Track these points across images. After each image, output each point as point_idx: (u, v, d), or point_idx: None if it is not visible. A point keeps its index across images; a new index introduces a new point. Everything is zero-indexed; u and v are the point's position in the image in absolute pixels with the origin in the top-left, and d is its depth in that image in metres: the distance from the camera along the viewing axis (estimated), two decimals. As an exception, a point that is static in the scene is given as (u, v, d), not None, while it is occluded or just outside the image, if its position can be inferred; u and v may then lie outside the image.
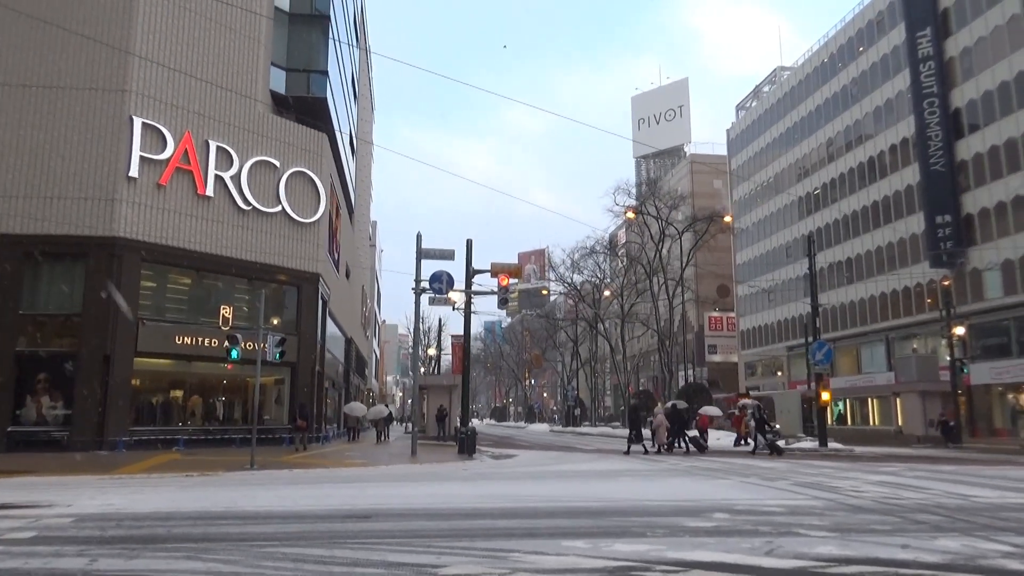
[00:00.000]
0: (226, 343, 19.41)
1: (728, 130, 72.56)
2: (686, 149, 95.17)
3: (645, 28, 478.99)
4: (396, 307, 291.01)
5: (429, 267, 24.67)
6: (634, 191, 63.70)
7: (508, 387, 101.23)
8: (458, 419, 37.06)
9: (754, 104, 69.26)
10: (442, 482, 14.53)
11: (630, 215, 42.96)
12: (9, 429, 21.43)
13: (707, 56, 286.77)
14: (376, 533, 8.26)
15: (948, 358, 36.49)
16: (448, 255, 25.09)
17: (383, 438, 35.86)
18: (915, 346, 46.93)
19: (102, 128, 23.03)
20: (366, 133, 57.12)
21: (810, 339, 50.80)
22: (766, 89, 67.93)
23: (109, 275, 22.55)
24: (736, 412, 29.49)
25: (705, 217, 45.47)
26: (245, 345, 21.13)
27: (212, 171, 25.37)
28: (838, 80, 54.06)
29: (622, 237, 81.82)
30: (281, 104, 29.77)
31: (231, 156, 26.01)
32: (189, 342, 24.61)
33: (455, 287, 25.30)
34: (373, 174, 69.42)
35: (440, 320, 52.78)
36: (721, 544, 7.53)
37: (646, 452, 25.49)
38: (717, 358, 73.94)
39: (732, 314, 72.18)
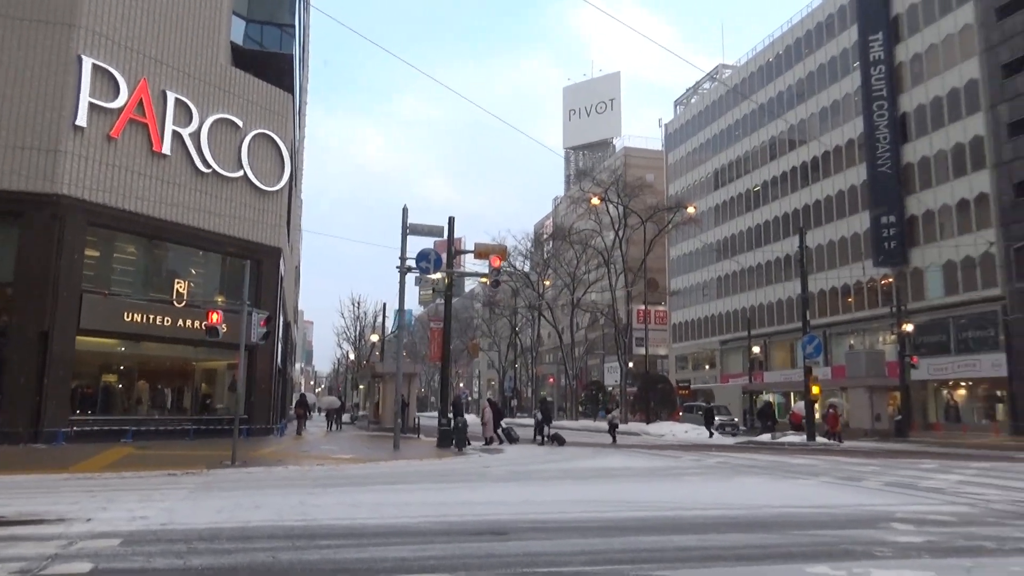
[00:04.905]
0: (206, 321, 16.81)
1: (666, 125, 72.93)
2: (615, 142, 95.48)
3: (532, 25, 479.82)
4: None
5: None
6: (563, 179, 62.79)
7: (430, 377, 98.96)
8: (416, 411, 35.18)
9: (694, 100, 69.80)
10: (495, 483, 12.82)
11: (595, 201, 42.00)
12: (-79, 416, 18.01)
13: (593, 55, 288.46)
14: (555, 559, 6.53)
15: (896, 354, 37.42)
16: (437, 231, 23.34)
17: (333, 428, 33.48)
18: (852, 342, 48.28)
19: (45, 67, 19.63)
20: (302, 103, 53.61)
21: (743, 331, 51.46)
22: (706, 86, 68.54)
23: (49, 238, 19.34)
24: (831, 411, 29.49)
25: (669, 207, 45.08)
26: (204, 323, 18.46)
27: (169, 126, 22.29)
28: (783, 80, 54.91)
29: (549, 227, 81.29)
30: (240, 58, 26.78)
31: (191, 111, 22.98)
32: (139, 319, 21.56)
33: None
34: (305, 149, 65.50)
35: (385, 305, 50.02)
36: (983, 568, 6.29)
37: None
38: (644, 351, 74.38)
39: (661, 307, 72.72)
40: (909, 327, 37.62)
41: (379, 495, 10.59)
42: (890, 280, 43.43)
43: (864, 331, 47.11)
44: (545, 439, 26.95)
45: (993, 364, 37.44)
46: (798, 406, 32.20)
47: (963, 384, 40.72)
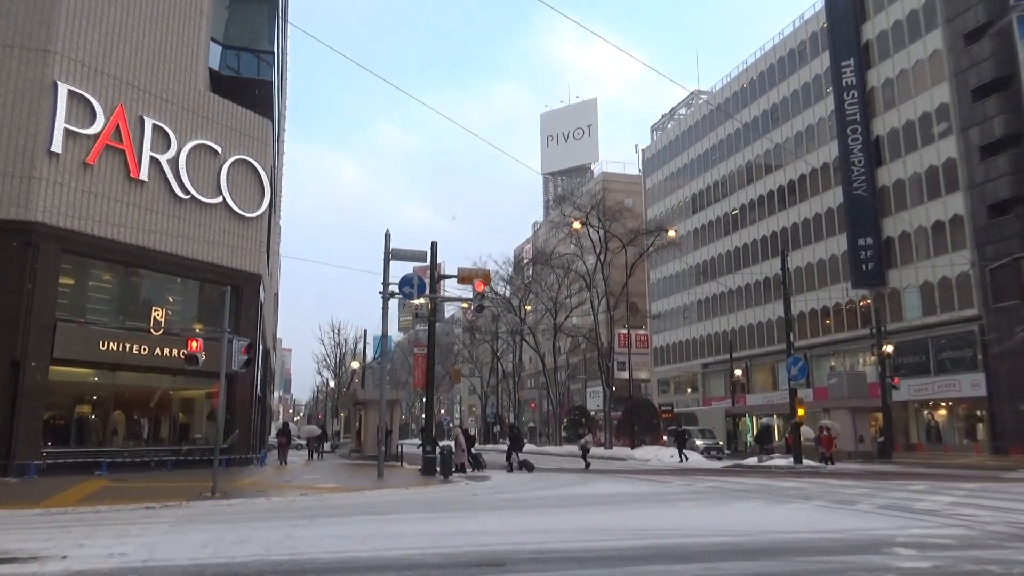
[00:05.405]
0: (185, 349, 16.41)
1: (644, 150, 73.61)
2: (593, 168, 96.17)
3: (507, 54, 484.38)
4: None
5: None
6: (541, 204, 62.92)
7: (411, 403, 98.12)
8: (398, 438, 34.66)
9: (670, 125, 70.59)
10: (486, 512, 12.52)
11: (576, 226, 42.08)
12: None
13: (570, 82, 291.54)
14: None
15: (877, 375, 37.62)
16: (419, 256, 23.14)
17: (315, 456, 32.88)
18: (833, 364, 48.51)
19: (20, 93, 19.31)
20: (281, 129, 53.38)
21: (725, 353, 51.46)
22: (683, 111, 69.40)
23: (22, 266, 18.87)
24: (824, 433, 29.29)
25: (649, 231, 45.29)
26: (182, 351, 18.00)
27: (147, 152, 21.98)
28: (758, 105, 55.70)
29: (529, 251, 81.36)
30: (219, 84, 26.59)
31: (169, 137, 22.71)
32: (115, 348, 21.04)
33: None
34: (283, 177, 65.15)
35: (366, 332, 49.54)
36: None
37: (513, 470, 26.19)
38: (625, 375, 74.27)
39: (642, 331, 72.74)
40: (889, 348, 37.89)
41: (368, 526, 10.26)
42: (868, 301, 43.88)
43: (845, 353, 47.40)
44: (514, 466, 26.52)
45: (972, 384, 37.76)
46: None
47: (943, 404, 40.99)
